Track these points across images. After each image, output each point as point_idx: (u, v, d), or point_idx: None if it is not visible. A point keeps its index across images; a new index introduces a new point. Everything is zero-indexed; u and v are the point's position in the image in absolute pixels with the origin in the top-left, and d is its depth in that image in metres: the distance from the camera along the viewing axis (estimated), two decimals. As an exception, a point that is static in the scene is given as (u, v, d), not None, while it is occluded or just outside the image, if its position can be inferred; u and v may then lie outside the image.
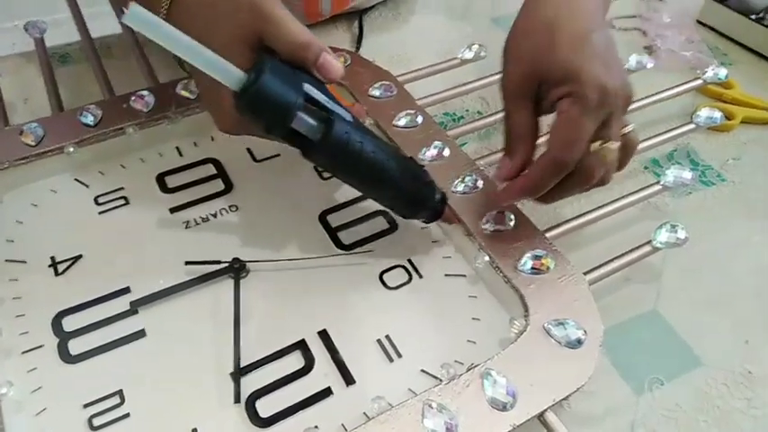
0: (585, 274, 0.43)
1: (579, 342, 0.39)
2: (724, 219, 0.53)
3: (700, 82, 0.60)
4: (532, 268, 0.43)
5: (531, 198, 0.43)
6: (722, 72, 0.60)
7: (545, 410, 0.37)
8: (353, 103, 0.45)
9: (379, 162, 0.40)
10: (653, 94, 0.58)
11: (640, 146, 0.53)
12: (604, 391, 0.42)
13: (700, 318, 0.46)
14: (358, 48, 0.67)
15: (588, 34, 0.39)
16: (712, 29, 0.72)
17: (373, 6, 0.72)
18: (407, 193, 0.42)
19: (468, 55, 0.59)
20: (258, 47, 0.39)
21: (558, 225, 0.46)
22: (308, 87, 0.38)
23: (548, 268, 0.43)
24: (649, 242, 0.46)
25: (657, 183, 0.50)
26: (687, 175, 0.50)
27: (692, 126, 0.56)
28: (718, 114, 0.56)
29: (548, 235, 0.45)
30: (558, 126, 0.38)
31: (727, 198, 0.55)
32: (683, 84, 0.60)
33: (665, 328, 0.46)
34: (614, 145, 0.38)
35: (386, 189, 0.42)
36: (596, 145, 0.37)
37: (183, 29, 0.35)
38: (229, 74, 0.36)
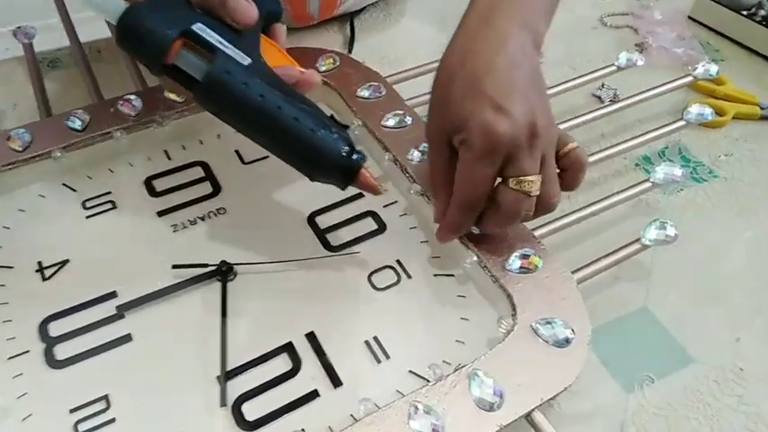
0: (574, 272, 0.43)
1: (567, 341, 0.39)
2: (715, 215, 0.53)
3: (690, 79, 0.60)
4: (520, 267, 0.43)
5: (459, 235, 0.44)
6: (713, 68, 0.60)
7: (532, 410, 0.36)
8: (302, 69, 0.42)
9: (268, 109, 0.38)
10: (643, 92, 0.58)
11: (632, 142, 0.54)
12: (594, 390, 0.42)
13: (690, 315, 0.46)
14: (350, 50, 0.67)
15: (479, 79, 0.39)
16: (704, 25, 0.72)
17: (364, 8, 0.72)
18: (305, 147, 0.39)
19: (458, 54, 0.59)
20: None
21: (547, 223, 0.46)
22: (198, 27, 0.38)
23: (536, 267, 0.43)
24: (638, 240, 0.46)
25: (648, 180, 0.50)
26: (677, 172, 0.50)
27: (682, 123, 0.56)
28: (708, 111, 0.56)
29: (536, 233, 0.45)
30: (457, 171, 0.40)
31: (718, 194, 0.55)
32: (673, 80, 0.60)
33: (656, 325, 0.45)
34: (533, 177, 0.39)
35: (278, 141, 0.40)
36: (512, 181, 0.39)
37: None
38: (109, 7, 0.37)
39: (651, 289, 0.47)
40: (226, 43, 0.38)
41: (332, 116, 0.41)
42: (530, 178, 0.39)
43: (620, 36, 0.71)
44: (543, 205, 0.40)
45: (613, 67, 0.61)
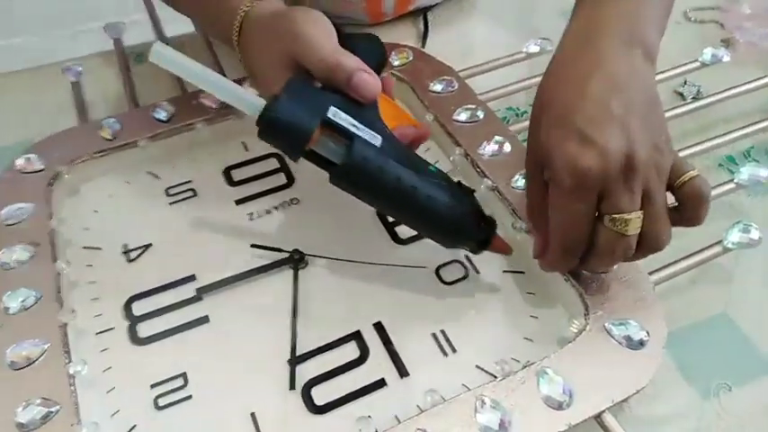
0: (651, 273, 0.42)
1: (641, 343, 0.38)
2: (805, 220, 0.50)
3: (781, 75, 0.57)
4: (594, 266, 0.42)
5: (565, 272, 0.42)
6: (807, 65, 0.57)
7: (603, 411, 0.36)
8: (418, 122, 0.43)
9: (404, 190, 0.38)
10: (729, 89, 0.56)
11: (715, 141, 0.51)
12: (667, 395, 0.40)
13: (774, 323, 0.44)
14: (423, 44, 0.67)
15: (568, 109, 0.36)
16: (798, 19, 0.68)
17: (437, 3, 0.72)
18: (441, 223, 0.40)
19: (534, 49, 0.59)
20: (296, 68, 0.40)
21: (623, 223, 0.45)
22: (332, 111, 0.38)
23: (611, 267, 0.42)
24: (720, 242, 0.44)
25: (732, 180, 0.48)
26: (763, 173, 0.48)
27: (771, 122, 0.53)
28: (800, 109, 0.53)
29: (611, 233, 0.44)
30: (549, 209, 0.38)
31: (809, 198, 0.52)
32: (762, 77, 0.57)
33: (735, 332, 0.43)
34: (630, 215, 0.35)
35: (413, 218, 0.41)
36: (606, 219, 0.36)
37: (246, 53, 0.40)
38: (249, 103, 0.38)
39: (732, 294, 0.45)
40: (358, 125, 0.39)
41: (459, 182, 0.42)
42: (626, 216, 0.35)
43: (704, 31, 0.68)
44: (648, 244, 0.37)
45: (697, 63, 0.58)
